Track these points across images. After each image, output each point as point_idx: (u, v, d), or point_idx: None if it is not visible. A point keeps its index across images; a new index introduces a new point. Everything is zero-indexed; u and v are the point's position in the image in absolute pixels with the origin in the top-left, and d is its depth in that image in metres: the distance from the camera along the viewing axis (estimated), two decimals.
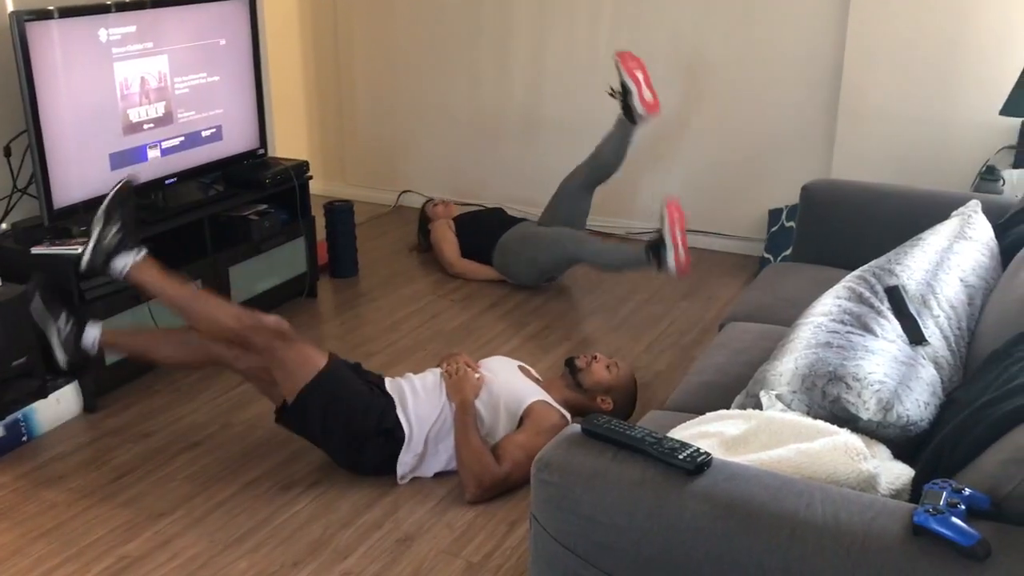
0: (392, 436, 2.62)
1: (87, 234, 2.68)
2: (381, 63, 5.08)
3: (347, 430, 2.60)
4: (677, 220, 3.48)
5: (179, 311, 2.70)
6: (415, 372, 2.83)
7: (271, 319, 2.60)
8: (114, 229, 2.66)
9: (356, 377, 2.70)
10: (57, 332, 2.68)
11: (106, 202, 2.68)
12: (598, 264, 3.83)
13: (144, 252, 2.71)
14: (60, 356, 2.70)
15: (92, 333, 2.73)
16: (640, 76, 3.80)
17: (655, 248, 3.52)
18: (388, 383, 2.73)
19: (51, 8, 2.93)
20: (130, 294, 3.13)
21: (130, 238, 2.68)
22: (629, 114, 3.85)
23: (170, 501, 2.60)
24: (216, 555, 2.38)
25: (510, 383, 2.74)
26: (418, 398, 2.68)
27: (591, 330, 3.69)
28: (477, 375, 2.72)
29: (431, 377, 2.76)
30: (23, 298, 2.81)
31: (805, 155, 4.23)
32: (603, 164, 4.01)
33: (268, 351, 2.58)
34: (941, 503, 1.33)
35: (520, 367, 2.88)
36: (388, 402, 2.66)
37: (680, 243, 3.46)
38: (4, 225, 3.14)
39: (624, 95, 3.84)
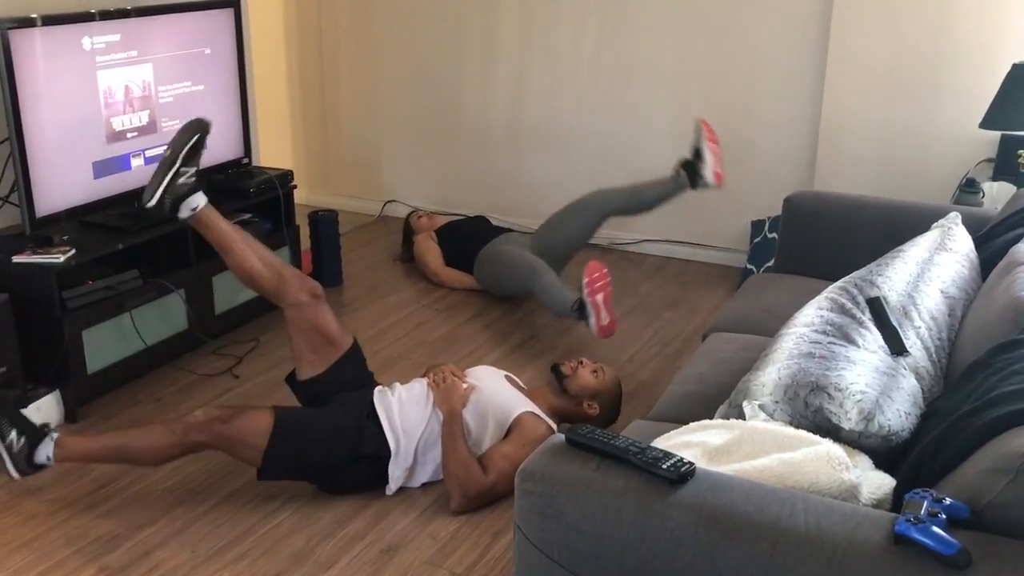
0: (376, 457, 2.61)
1: (159, 173, 2.53)
2: (366, 73, 5.09)
3: (325, 465, 2.59)
4: (600, 286, 3.38)
5: (225, 253, 2.69)
6: (401, 382, 2.82)
7: (306, 282, 2.71)
8: (190, 172, 2.56)
9: (314, 411, 2.65)
10: (8, 448, 2.48)
11: (188, 145, 2.56)
12: (542, 300, 3.70)
13: (205, 197, 2.64)
14: (11, 469, 2.49)
15: (44, 451, 2.50)
16: (717, 151, 3.69)
17: (580, 307, 3.42)
18: (376, 394, 2.72)
19: (34, 16, 2.92)
20: (113, 303, 3.11)
21: (201, 182, 2.61)
22: (693, 177, 3.67)
23: (151, 512, 2.58)
24: (198, 566, 2.36)
25: (498, 393, 2.74)
26: (404, 410, 2.67)
27: (575, 340, 3.69)
28: (465, 384, 2.72)
29: (417, 387, 2.75)
30: (4, 307, 2.80)
31: (787, 167, 4.26)
32: (638, 204, 3.89)
33: (212, 439, 2.50)
34: (922, 512, 1.33)
35: (506, 376, 2.87)
36: (360, 417, 2.62)
37: (603, 307, 3.37)
38: None
39: (696, 158, 3.68)
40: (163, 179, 2.54)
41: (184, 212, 2.59)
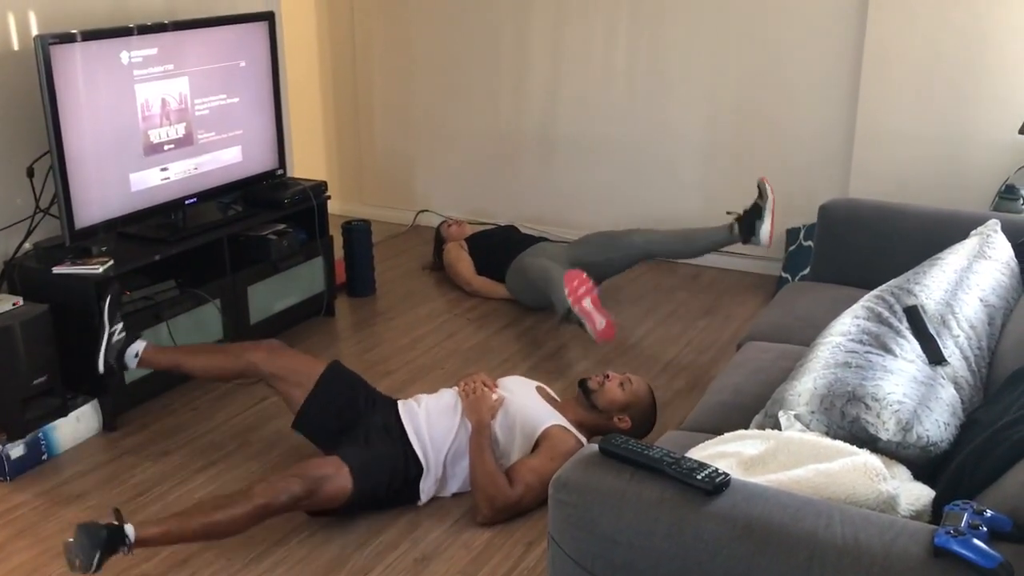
0: (415, 477, 2.62)
1: (97, 328, 2.85)
2: (398, 84, 5.12)
3: (389, 490, 2.60)
4: (583, 292, 3.38)
5: (187, 373, 2.98)
6: (431, 391, 2.83)
7: (260, 343, 2.88)
8: (119, 327, 2.87)
9: (370, 451, 2.63)
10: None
11: (108, 307, 2.85)
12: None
13: (143, 340, 2.92)
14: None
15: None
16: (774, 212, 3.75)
17: (569, 313, 3.43)
18: (401, 407, 2.73)
19: (74, 31, 2.97)
20: (150, 312, 3.16)
21: (131, 331, 2.91)
22: (748, 230, 3.73)
23: None
24: (234, 574, 2.38)
25: (527, 405, 2.73)
26: (432, 420, 2.67)
27: (608, 350, 3.68)
28: (495, 395, 2.72)
29: (446, 396, 2.75)
30: (44, 317, 2.85)
31: (823, 174, 4.23)
32: (690, 250, 3.96)
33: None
34: (962, 525, 1.32)
35: (538, 387, 2.86)
36: (398, 440, 2.62)
37: (594, 312, 3.36)
38: (27, 245, 3.18)
39: (754, 214, 3.74)
40: (100, 346, 2.85)
41: (131, 362, 2.88)
